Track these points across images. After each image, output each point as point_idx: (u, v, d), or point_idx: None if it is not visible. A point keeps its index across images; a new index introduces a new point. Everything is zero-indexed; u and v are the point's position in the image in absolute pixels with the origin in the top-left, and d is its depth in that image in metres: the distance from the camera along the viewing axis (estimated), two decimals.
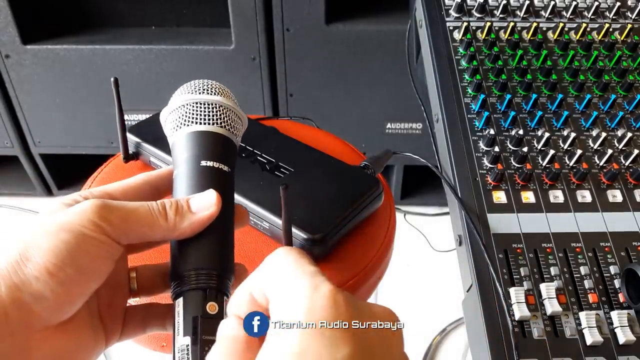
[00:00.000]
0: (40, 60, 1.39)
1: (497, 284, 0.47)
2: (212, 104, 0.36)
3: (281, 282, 0.25)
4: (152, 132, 0.66)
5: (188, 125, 0.35)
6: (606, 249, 0.51)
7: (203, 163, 0.35)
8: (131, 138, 0.67)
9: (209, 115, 0.35)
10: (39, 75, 1.42)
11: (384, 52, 1.33)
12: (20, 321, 0.27)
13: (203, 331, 0.30)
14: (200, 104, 0.35)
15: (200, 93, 0.36)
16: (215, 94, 0.36)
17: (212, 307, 0.31)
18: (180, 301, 0.32)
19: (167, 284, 0.34)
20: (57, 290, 0.28)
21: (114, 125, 0.63)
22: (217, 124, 0.35)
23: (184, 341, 0.30)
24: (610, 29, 0.69)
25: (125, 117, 0.70)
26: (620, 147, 0.58)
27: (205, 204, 0.32)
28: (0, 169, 1.68)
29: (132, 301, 0.37)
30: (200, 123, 0.35)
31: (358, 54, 1.35)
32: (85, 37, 1.40)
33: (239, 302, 0.28)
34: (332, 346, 0.22)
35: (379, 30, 1.32)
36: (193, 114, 0.35)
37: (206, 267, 0.32)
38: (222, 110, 0.36)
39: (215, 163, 0.35)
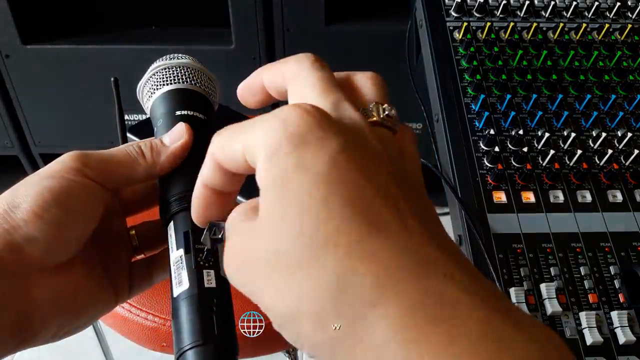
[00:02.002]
0: (40, 60, 1.39)
1: (497, 284, 0.47)
2: (178, 66, 0.38)
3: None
4: (152, 132, 0.66)
5: (160, 88, 0.38)
6: (606, 249, 0.51)
7: (177, 113, 0.37)
8: (131, 138, 0.67)
9: (177, 76, 0.38)
10: (39, 75, 1.41)
11: (384, 52, 1.32)
12: (16, 263, 0.29)
13: (195, 242, 0.31)
14: (168, 68, 0.38)
15: (167, 60, 0.39)
16: (180, 59, 0.39)
17: None
18: (170, 225, 0.33)
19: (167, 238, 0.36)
20: (46, 231, 0.29)
21: (114, 125, 0.63)
22: (186, 82, 0.38)
23: (177, 254, 0.31)
24: (611, 29, 0.69)
25: (125, 117, 0.70)
26: (620, 147, 0.58)
27: (176, 136, 0.35)
28: (0, 169, 1.68)
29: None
30: (170, 83, 0.38)
31: (358, 54, 1.34)
32: (85, 37, 1.40)
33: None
34: (321, 142, 0.21)
35: (379, 30, 1.32)
36: (163, 78, 0.38)
37: (190, 188, 0.33)
38: (189, 70, 0.38)
39: (189, 111, 0.37)
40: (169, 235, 0.33)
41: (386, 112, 0.26)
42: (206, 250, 0.31)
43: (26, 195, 0.30)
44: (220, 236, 0.29)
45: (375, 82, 0.27)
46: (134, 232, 0.37)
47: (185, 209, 0.33)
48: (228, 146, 0.23)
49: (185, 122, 0.36)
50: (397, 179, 0.22)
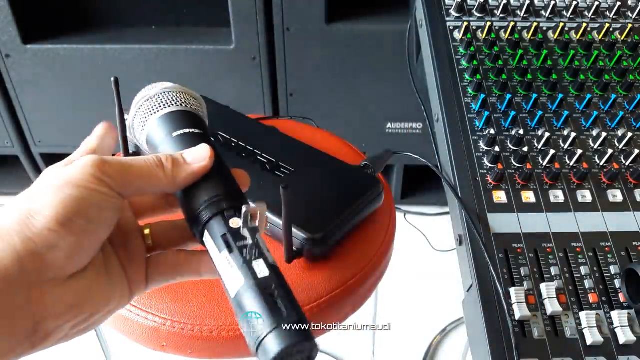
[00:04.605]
0: (41, 60, 1.39)
1: (498, 284, 0.47)
2: (161, 93, 0.40)
3: None
4: None
5: (151, 115, 0.39)
6: (606, 249, 0.51)
7: (175, 134, 0.38)
8: (131, 138, 0.67)
9: (163, 101, 0.39)
10: (39, 75, 1.41)
11: (384, 52, 1.32)
12: (37, 272, 0.28)
13: (235, 240, 0.32)
14: (152, 96, 0.40)
15: (149, 91, 0.41)
16: (160, 86, 0.41)
17: (234, 223, 0.33)
18: (206, 235, 0.34)
19: (183, 237, 0.37)
20: (69, 240, 0.29)
21: (114, 125, 0.63)
22: (172, 105, 0.39)
23: (222, 257, 0.32)
24: (611, 29, 0.69)
25: (125, 117, 0.69)
26: (620, 147, 0.58)
27: (200, 156, 0.35)
28: (0, 169, 1.68)
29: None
30: (158, 110, 0.39)
31: (358, 54, 1.34)
32: (85, 37, 1.40)
33: None
34: None
35: (379, 30, 1.32)
36: (151, 107, 0.39)
37: (214, 195, 0.35)
38: (171, 94, 0.40)
39: (186, 129, 0.38)
40: (207, 245, 0.34)
41: None
42: (248, 245, 0.32)
43: (49, 202, 0.29)
44: (256, 224, 0.32)
45: None
46: (148, 231, 0.37)
47: (214, 215, 0.34)
48: None
49: (188, 138, 0.37)
50: None
